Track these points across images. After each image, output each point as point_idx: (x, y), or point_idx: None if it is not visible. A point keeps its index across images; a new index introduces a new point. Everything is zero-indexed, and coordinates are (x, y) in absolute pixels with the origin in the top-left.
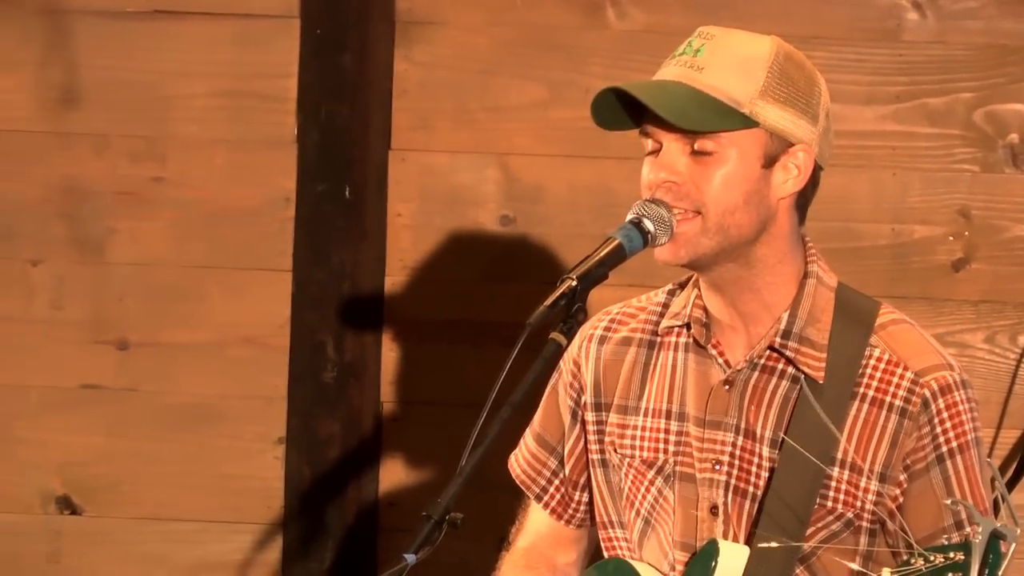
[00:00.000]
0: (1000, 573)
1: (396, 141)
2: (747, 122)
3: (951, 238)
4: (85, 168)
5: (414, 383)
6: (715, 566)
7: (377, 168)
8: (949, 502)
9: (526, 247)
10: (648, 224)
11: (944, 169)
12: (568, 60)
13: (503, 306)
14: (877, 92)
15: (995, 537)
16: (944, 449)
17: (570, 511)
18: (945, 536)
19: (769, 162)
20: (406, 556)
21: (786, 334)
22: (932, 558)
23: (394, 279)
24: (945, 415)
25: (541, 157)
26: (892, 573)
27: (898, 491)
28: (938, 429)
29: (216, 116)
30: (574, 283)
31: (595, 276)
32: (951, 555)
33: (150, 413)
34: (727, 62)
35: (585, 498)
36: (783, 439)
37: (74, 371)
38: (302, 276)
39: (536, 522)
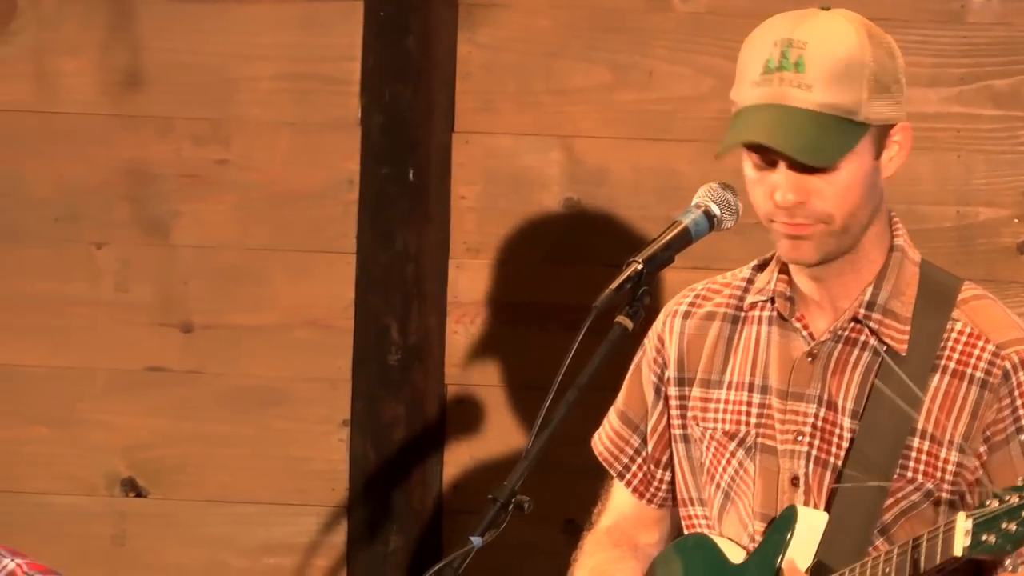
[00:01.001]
0: None
1: (460, 123)
2: (864, 128)
3: (1016, 220)
4: (149, 151)
5: (478, 366)
6: (793, 531)
7: (441, 150)
8: (1016, 396)
9: (590, 229)
10: (714, 208)
11: (1009, 151)
12: (632, 42)
13: (567, 289)
14: (941, 74)
15: None
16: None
17: (652, 489)
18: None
19: (879, 152)
20: (472, 539)
21: (870, 306)
22: (1008, 498)
23: (458, 261)
24: None
25: (605, 139)
26: (968, 516)
27: (978, 462)
28: (1018, 401)
29: (280, 99)
30: (640, 266)
31: (661, 259)
32: None
33: (215, 395)
34: (831, 72)
35: (667, 477)
36: (867, 403)
37: (139, 353)
38: (366, 259)
39: (619, 502)
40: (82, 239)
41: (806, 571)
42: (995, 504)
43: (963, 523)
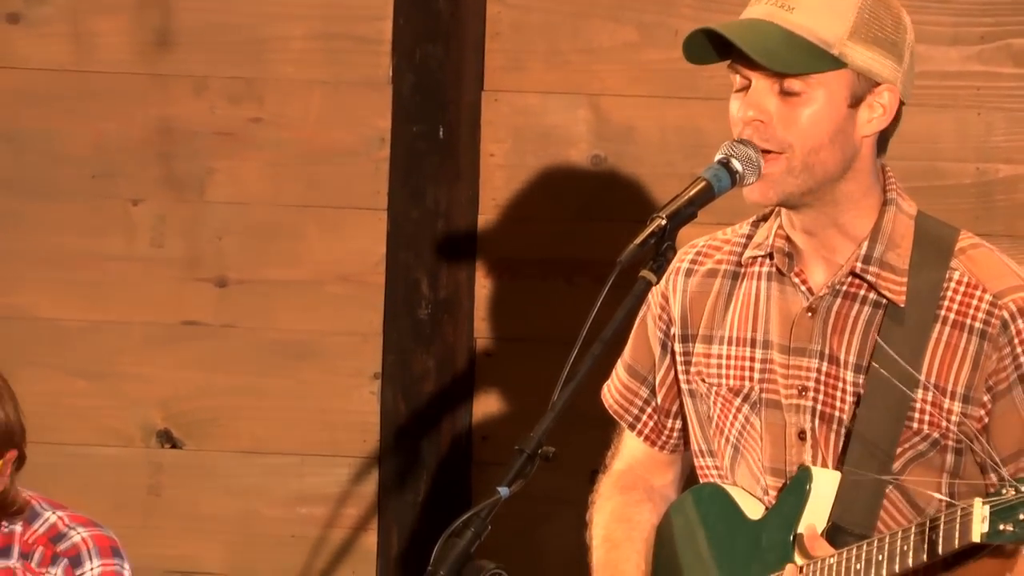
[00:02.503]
0: None
1: (489, 82)
2: (836, 63)
3: None
4: (184, 109)
5: (507, 319)
6: (809, 492)
7: (470, 109)
8: (1016, 344)
9: (617, 186)
10: (736, 164)
11: None
12: (658, 2)
13: (594, 244)
14: (962, 33)
15: None
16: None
17: (663, 438)
18: None
19: (855, 102)
20: (499, 489)
21: (867, 259)
22: (1023, 487)
23: (487, 218)
24: None
25: (631, 98)
26: (984, 503)
27: (983, 412)
28: (1018, 349)
29: (313, 58)
30: (664, 222)
31: (684, 215)
32: None
33: (248, 349)
34: (818, 1)
35: (678, 425)
36: (869, 364)
37: (175, 308)
38: (397, 215)
39: (631, 448)
40: (118, 196)
41: (822, 533)
42: (1011, 493)
43: (980, 509)
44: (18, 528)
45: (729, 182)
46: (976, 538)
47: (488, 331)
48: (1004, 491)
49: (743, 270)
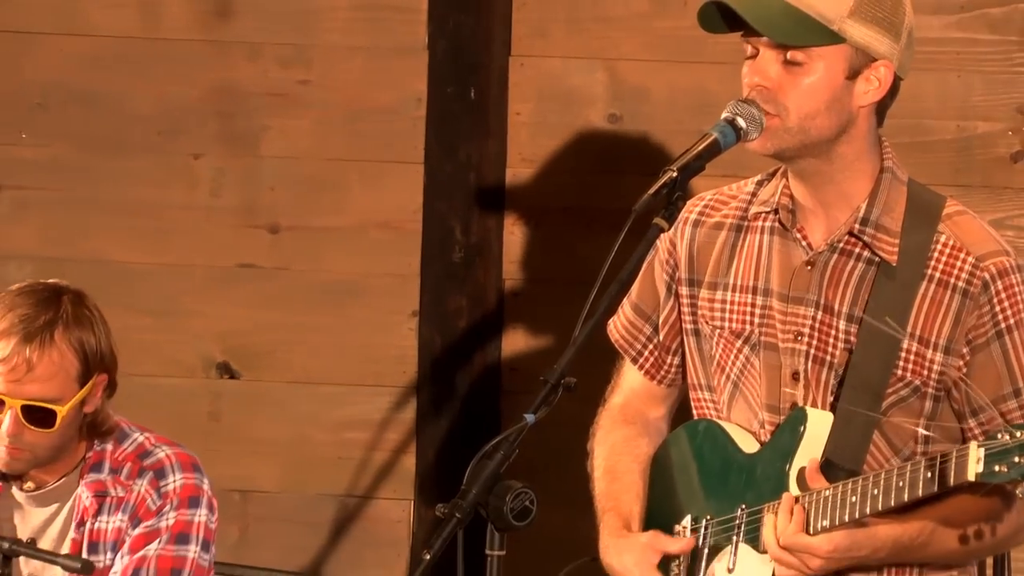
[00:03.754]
0: None
1: (516, 48)
2: (835, 38)
3: (1010, 133)
4: (240, 73)
5: (533, 262)
6: (803, 431)
7: (499, 72)
8: (994, 303)
9: (631, 142)
10: (741, 121)
11: (1004, 71)
12: None
13: (611, 194)
14: (944, 3)
15: None
16: (1003, 325)
17: (662, 372)
18: (1008, 402)
19: (853, 74)
20: (526, 416)
21: (864, 221)
22: (1017, 434)
23: (514, 171)
24: (1003, 295)
25: (645, 62)
26: (980, 446)
27: (961, 363)
28: (996, 308)
29: (356, 26)
30: (675, 174)
31: (693, 168)
32: None
33: (299, 289)
34: None
35: (676, 361)
36: (862, 316)
37: (232, 252)
38: (433, 168)
39: (630, 381)
40: (181, 151)
41: (820, 465)
42: (1006, 438)
43: (975, 451)
44: (109, 446)
45: (734, 138)
46: (971, 476)
47: (516, 273)
48: (999, 435)
49: (747, 224)
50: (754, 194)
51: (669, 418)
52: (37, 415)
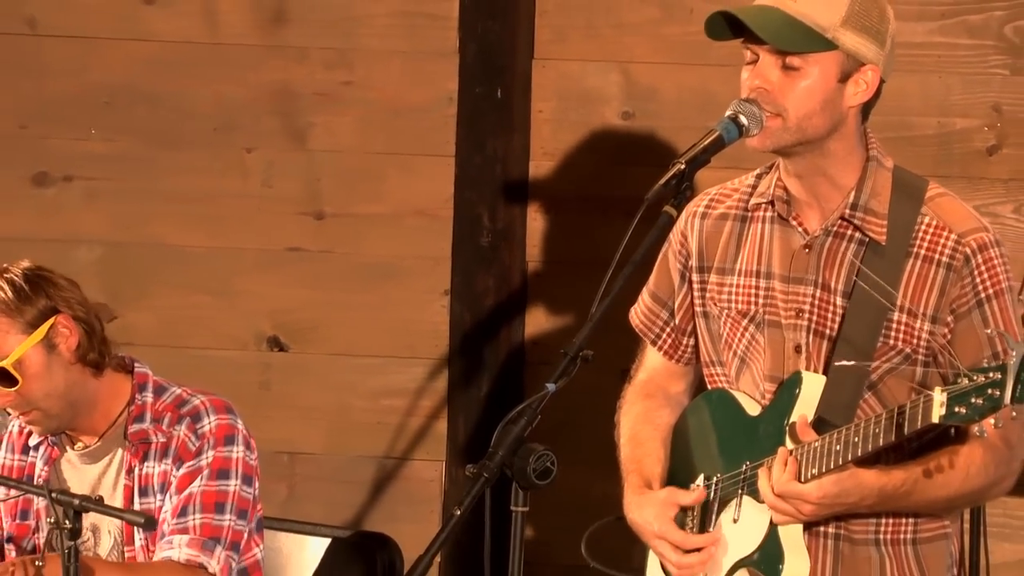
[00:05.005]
0: None
1: (538, 52)
2: (829, 45)
3: (986, 128)
4: (290, 74)
5: (553, 246)
6: (799, 392)
7: (523, 74)
8: (989, 331)
9: (643, 137)
10: (743, 119)
11: (980, 73)
12: None
13: (624, 184)
14: (926, 11)
15: None
16: (982, 295)
17: (679, 352)
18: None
19: (844, 77)
20: (547, 385)
21: (854, 206)
22: (975, 377)
23: (536, 163)
24: (983, 268)
25: (655, 64)
26: (943, 391)
27: (946, 330)
28: (977, 279)
29: (394, 32)
30: (683, 166)
31: (699, 161)
32: (990, 375)
33: (342, 270)
34: None
35: (691, 342)
36: (854, 285)
37: (281, 236)
38: (463, 161)
39: (652, 361)
40: (235, 145)
41: (812, 422)
42: (965, 382)
43: (939, 396)
44: (149, 399)
45: (737, 133)
46: (935, 419)
47: (538, 255)
48: (960, 380)
49: (750, 214)
50: (753, 187)
51: (689, 393)
52: (0, 378)
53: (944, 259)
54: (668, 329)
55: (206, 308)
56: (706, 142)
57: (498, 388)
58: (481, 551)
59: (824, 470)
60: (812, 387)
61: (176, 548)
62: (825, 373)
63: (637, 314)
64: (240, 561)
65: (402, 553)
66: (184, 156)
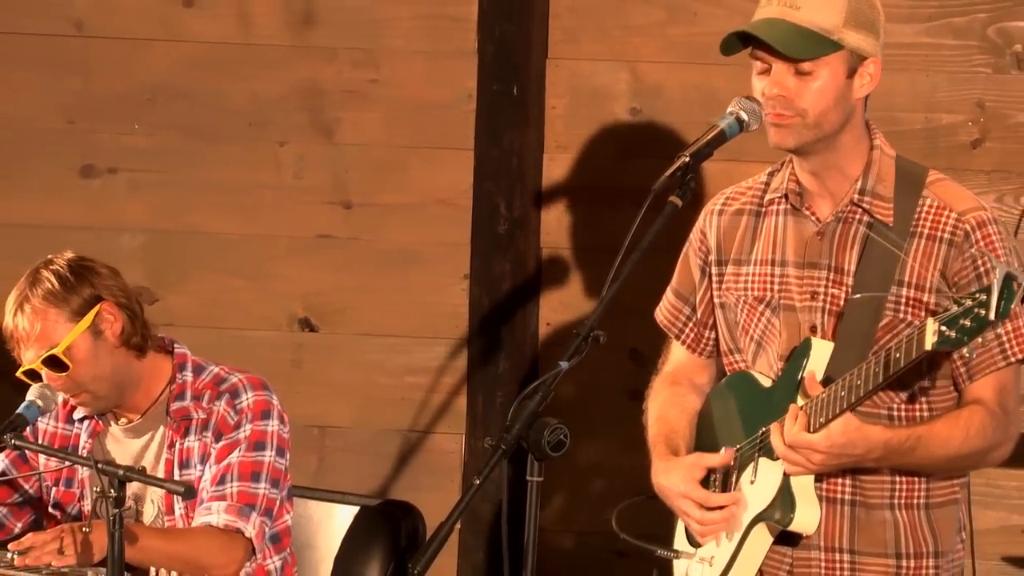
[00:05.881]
0: (1014, 304)
1: (552, 52)
2: (836, 47)
3: (970, 123)
4: (319, 73)
5: (566, 233)
6: (809, 357)
7: (538, 72)
8: (974, 249)
9: (649, 131)
10: (743, 115)
11: (965, 71)
12: None
13: (632, 176)
14: (914, 13)
15: (1008, 278)
16: (981, 269)
17: (701, 345)
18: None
19: (850, 73)
20: (561, 363)
21: (862, 191)
22: (963, 302)
23: (550, 156)
24: (982, 243)
25: (661, 63)
26: (934, 320)
27: (948, 302)
28: (976, 253)
29: (417, 34)
30: (687, 159)
31: (703, 154)
32: (976, 296)
33: (368, 256)
34: (815, 1)
35: (713, 335)
36: (863, 252)
37: (311, 224)
38: (481, 154)
39: (677, 354)
40: (269, 139)
41: (820, 381)
42: (955, 308)
43: (932, 325)
44: (189, 378)
45: (738, 128)
46: (928, 346)
47: (551, 242)
48: (950, 307)
49: (764, 209)
50: (766, 183)
51: (712, 384)
52: (51, 364)
53: (946, 236)
54: (691, 324)
55: (241, 291)
56: (709, 136)
57: (514, 366)
58: (499, 518)
59: (831, 416)
60: (821, 351)
61: (215, 514)
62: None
63: (662, 311)
64: (272, 527)
65: (425, 520)
66: (221, 149)
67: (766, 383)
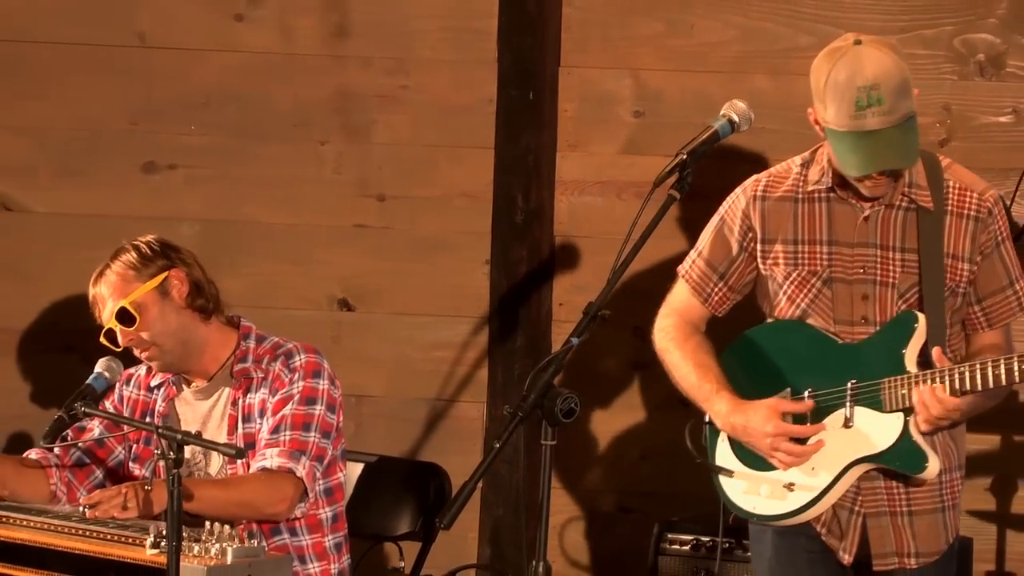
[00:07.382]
0: None
1: (564, 61)
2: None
3: (938, 124)
4: (355, 79)
5: (577, 222)
6: (916, 327)
7: (551, 79)
8: (994, 224)
9: (652, 131)
10: (735, 117)
11: (933, 78)
12: (680, 5)
13: (636, 171)
14: (888, 26)
15: None
16: (999, 238)
17: (724, 306)
18: (1007, 291)
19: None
20: (571, 339)
21: (910, 184)
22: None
23: (562, 153)
24: (999, 217)
25: (661, 71)
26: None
27: (976, 268)
28: (995, 227)
29: (443, 44)
30: (685, 156)
31: (699, 152)
32: None
33: (401, 243)
34: (897, 94)
35: (737, 298)
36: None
37: (349, 215)
38: (501, 152)
39: (688, 303)
40: (311, 139)
41: (922, 345)
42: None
43: None
44: (252, 344)
45: (729, 129)
46: None
47: (564, 231)
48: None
49: (804, 196)
50: (801, 174)
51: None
52: (122, 319)
53: (972, 213)
54: (718, 289)
55: (287, 275)
56: (704, 136)
57: (530, 341)
58: (517, 478)
59: (980, 388)
60: (922, 323)
61: (269, 459)
62: (894, 312)
63: (691, 273)
64: (327, 480)
65: (450, 479)
66: (267, 148)
67: (837, 340)
